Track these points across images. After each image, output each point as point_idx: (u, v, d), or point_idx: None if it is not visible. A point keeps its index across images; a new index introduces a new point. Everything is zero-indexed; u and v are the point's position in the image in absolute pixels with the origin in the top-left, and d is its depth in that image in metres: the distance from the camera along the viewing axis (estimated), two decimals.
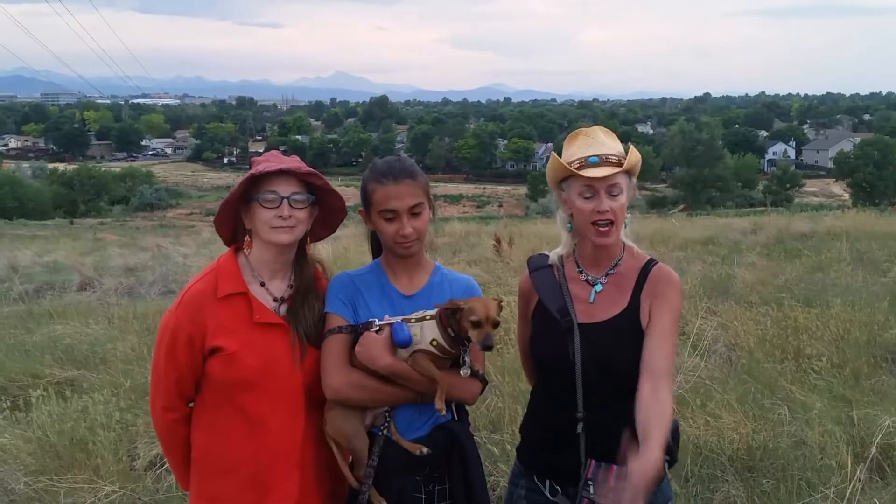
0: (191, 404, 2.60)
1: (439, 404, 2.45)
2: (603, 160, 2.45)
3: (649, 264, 2.60)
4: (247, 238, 2.56)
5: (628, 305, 2.53)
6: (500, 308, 2.51)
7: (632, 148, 2.53)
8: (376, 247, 2.77)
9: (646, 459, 2.15)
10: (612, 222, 2.47)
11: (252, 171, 2.44)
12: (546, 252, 2.74)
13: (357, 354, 2.48)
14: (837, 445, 4.55)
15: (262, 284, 2.57)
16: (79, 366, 6.93)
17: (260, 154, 2.64)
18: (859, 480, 4.18)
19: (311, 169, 2.51)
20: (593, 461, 2.45)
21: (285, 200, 2.45)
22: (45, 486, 4.56)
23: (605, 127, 2.59)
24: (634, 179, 2.58)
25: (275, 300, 2.57)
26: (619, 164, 2.47)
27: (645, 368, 2.39)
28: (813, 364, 6.17)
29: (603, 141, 2.53)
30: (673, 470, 2.73)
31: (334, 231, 2.72)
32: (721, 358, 6.66)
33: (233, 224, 2.60)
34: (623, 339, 2.50)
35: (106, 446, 4.90)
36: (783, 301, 8.18)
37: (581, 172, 2.46)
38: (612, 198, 2.46)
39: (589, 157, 2.47)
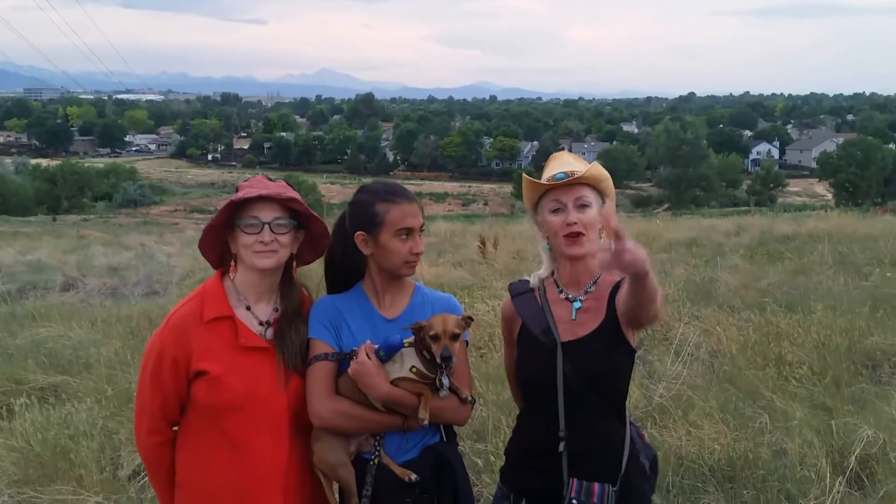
0: (175, 427, 2.60)
1: (422, 413, 2.47)
2: (569, 175, 2.60)
3: (623, 279, 2.64)
4: (232, 262, 2.59)
5: (606, 315, 2.59)
6: (467, 323, 2.58)
7: (594, 163, 2.68)
8: (334, 279, 2.76)
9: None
10: (581, 234, 2.57)
11: (232, 197, 2.48)
12: (526, 277, 2.83)
13: (356, 382, 2.48)
14: (817, 456, 4.59)
15: (248, 308, 2.58)
16: (62, 371, 6.88)
17: (246, 177, 2.65)
18: (838, 493, 4.25)
19: (291, 195, 2.53)
20: (575, 480, 2.49)
21: (266, 226, 2.48)
22: (29, 498, 4.54)
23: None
24: (609, 201, 2.68)
25: (260, 324, 2.58)
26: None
27: None
28: (794, 371, 6.23)
29: (570, 162, 2.71)
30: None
31: (321, 255, 2.73)
32: (703, 365, 6.69)
33: (219, 248, 2.62)
34: (607, 351, 2.56)
35: (89, 455, 4.88)
36: (766, 306, 8.23)
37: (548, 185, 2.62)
38: (580, 210, 2.60)
39: (556, 174, 2.63)
